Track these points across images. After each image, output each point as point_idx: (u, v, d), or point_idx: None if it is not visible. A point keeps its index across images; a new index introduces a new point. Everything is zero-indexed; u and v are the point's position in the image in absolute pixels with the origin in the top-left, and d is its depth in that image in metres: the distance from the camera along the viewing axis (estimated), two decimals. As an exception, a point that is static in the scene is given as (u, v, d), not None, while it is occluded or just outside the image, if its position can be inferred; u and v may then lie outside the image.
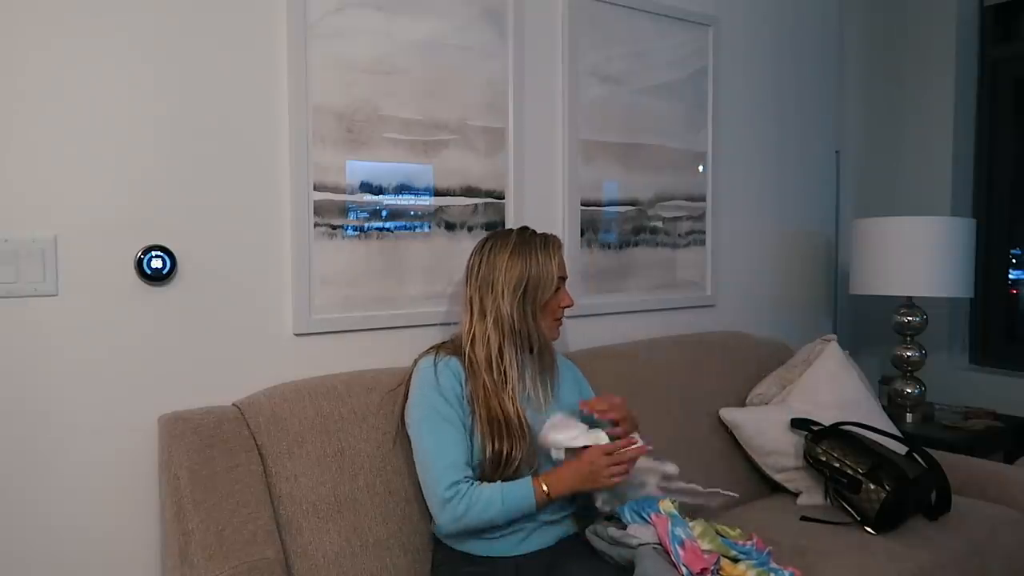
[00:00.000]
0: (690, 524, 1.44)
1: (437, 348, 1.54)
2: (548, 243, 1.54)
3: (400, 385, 1.56)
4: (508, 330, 1.49)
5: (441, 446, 1.41)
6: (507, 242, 1.54)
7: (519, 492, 1.39)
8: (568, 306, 1.58)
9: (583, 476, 1.39)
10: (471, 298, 1.54)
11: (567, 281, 1.59)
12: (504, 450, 1.42)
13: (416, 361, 1.54)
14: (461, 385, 1.47)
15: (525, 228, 1.59)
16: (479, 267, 1.54)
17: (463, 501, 1.37)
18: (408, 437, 1.50)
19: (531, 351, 1.55)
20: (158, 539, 1.48)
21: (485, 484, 1.40)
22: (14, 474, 1.36)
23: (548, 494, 1.39)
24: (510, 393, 1.47)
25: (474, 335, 1.51)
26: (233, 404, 1.51)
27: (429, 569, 1.51)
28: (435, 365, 1.48)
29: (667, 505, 1.47)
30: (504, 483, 1.40)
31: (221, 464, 1.37)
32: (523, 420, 1.46)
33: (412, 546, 1.50)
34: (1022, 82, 2.79)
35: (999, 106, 2.82)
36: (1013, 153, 2.80)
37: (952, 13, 2.78)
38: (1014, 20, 2.80)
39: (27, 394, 1.37)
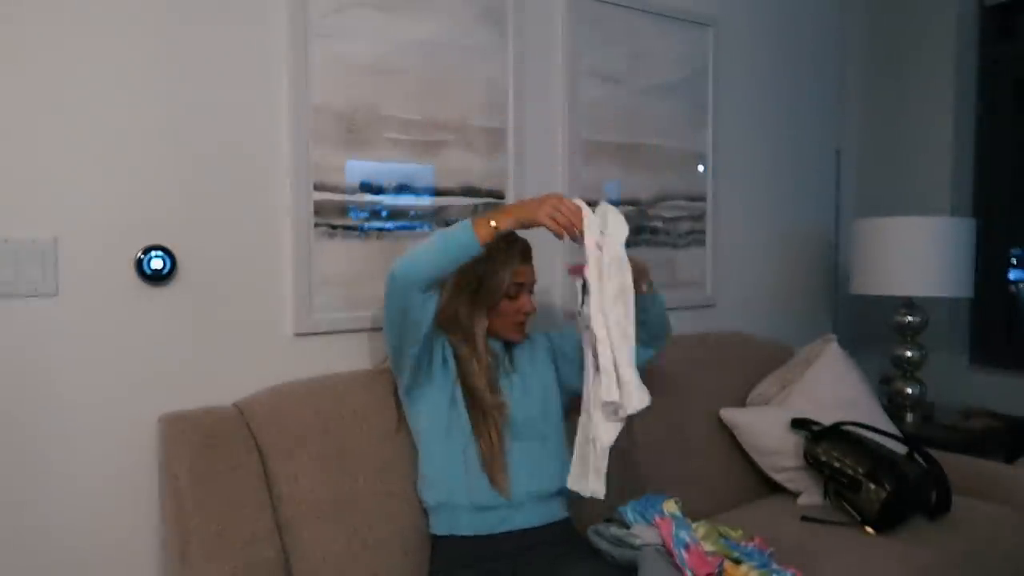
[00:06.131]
0: (693, 526, 1.44)
1: None
2: (512, 248, 1.55)
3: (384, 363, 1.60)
4: (455, 324, 1.53)
5: None
6: None
7: (456, 224, 1.36)
8: (528, 312, 1.58)
9: (527, 205, 1.35)
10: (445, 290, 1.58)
11: (529, 288, 1.58)
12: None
13: None
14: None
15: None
16: None
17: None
18: (409, 438, 1.53)
19: (473, 348, 1.54)
20: (158, 539, 1.48)
21: None
22: (14, 474, 1.36)
23: (493, 223, 1.34)
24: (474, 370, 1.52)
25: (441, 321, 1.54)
26: (233, 404, 1.50)
27: (428, 571, 1.51)
28: None
29: (671, 507, 1.47)
30: None
31: (221, 464, 1.37)
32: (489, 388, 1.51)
33: (412, 546, 1.50)
34: (1022, 82, 2.78)
35: (999, 106, 2.82)
36: (1013, 153, 2.80)
37: (952, 13, 2.78)
38: (1014, 20, 2.80)
39: (27, 394, 1.36)
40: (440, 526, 1.49)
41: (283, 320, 1.63)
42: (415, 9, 1.78)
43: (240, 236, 1.57)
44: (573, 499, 1.58)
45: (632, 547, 1.39)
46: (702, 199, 2.43)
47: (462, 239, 1.33)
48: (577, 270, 1.36)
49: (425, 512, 1.52)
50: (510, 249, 1.55)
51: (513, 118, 1.95)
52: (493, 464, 1.46)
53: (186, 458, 1.35)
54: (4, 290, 1.33)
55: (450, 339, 1.55)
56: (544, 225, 1.33)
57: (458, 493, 1.46)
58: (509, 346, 1.63)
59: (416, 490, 1.53)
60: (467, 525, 1.47)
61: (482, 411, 1.49)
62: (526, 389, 1.58)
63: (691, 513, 1.53)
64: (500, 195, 1.94)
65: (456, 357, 1.53)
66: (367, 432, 1.52)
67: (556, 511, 1.55)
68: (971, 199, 2.87)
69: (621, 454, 1.82)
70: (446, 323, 1.54)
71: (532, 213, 1.33)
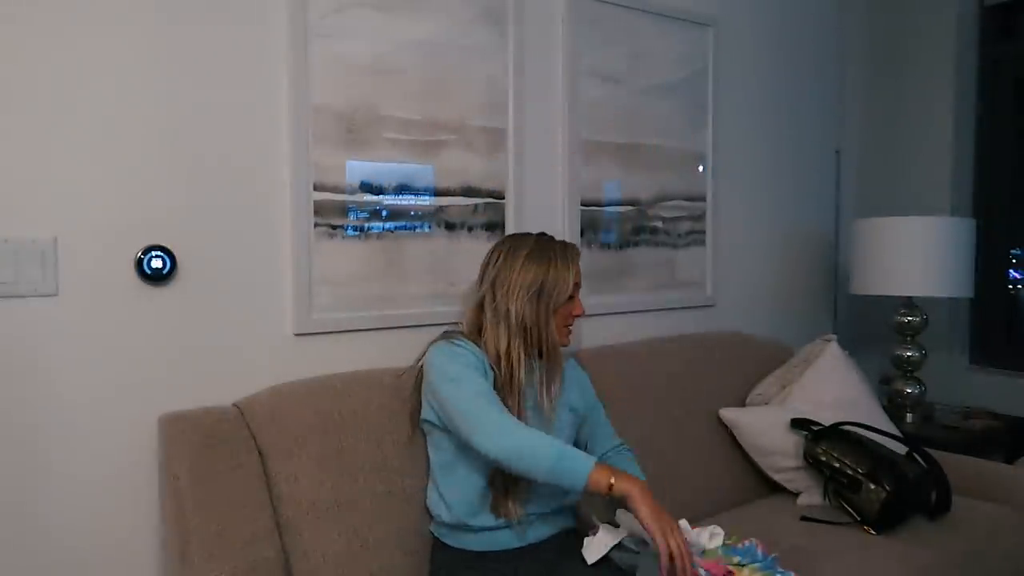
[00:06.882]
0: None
1: (449, 335, 1.53)
2: (567, 250, 1.54)
3: (409, 370, 1.57)
4: (519, 329, 1.48)
5: (489, 392, 1.39)
6: (526, 244, 1.54)
7: (579, 455, 1.30)
8: (579, 315, 1.57)
9: (653, 507, 1.26)
10: (484, 295, 1.54)
11: (580, 290, 1.58)
12: None
13: (431, 344, 1.51)
14: (485, 369, 1.46)
15: (544, 234, 1.59)
16: (496, 265, 1.54)
17: (520, 425, 1.33)
18: (413, 436, 1.54)
19: (540, 354, 1.53)
20: (158, 539, 1.48)
21: None
22: (14, 474, 1.36)
23: (612, 481, 1.27)
24: (516, 394, 1.46)
25: (486, 330, 1.51)
26: (233, 404, 1.50)
27: (428, 571, 1.51)
28: (460, 345, 1.47)
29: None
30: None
31: (221, 464, 1.37)
32: (525, 421, 1.46)
33: (412, 546, 1.50)
34: (1022, 82, 2.78)
35: (999, 106, 2.82)
36: (1013, 153, 2.80)
37: (952, 13, 2.78)
38: (1014, 20, 2.80)
39: (27, 394, 1.36)
40: (448, 537, 1.49)
41: (283, 320, 1.63)
42: (415, 9, 1.78)
43: (240, 236, 1.57)
44: (579, 507, 1.59)
45: (631, 551, 1.39)
46: (702, 199, 2.43)
47: (575, 476, 1.27)
48: None
49: (424, 512, 1.52)
50: (568, 250, 1.54)
51: (513, 118, 1.95)
52: (513, 490, 1.43)
53: (186, 458, 1.35)
54: (4, 290, 1.33)
55: (490, 360, 1.48)
56: (655, 539, 1.24)
57: (476, 519, 1.45)
58: (551, 379, 1.55)
59: (425, 500, 1.53)
60: (477, 543, 1.47)
61: None
62: (557, 408, 1.55)
63: (691, 513, 1.53)
64: (500, 195, 1.94)
65: (496, 382, 1.47)
66: (367, 432, 1.52)
67: (565, 521, 1.55)
68: (971, 199, 2.87)
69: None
70: (500, 327, 1.49)
71: (652, 518, 1.25)
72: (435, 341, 1.52)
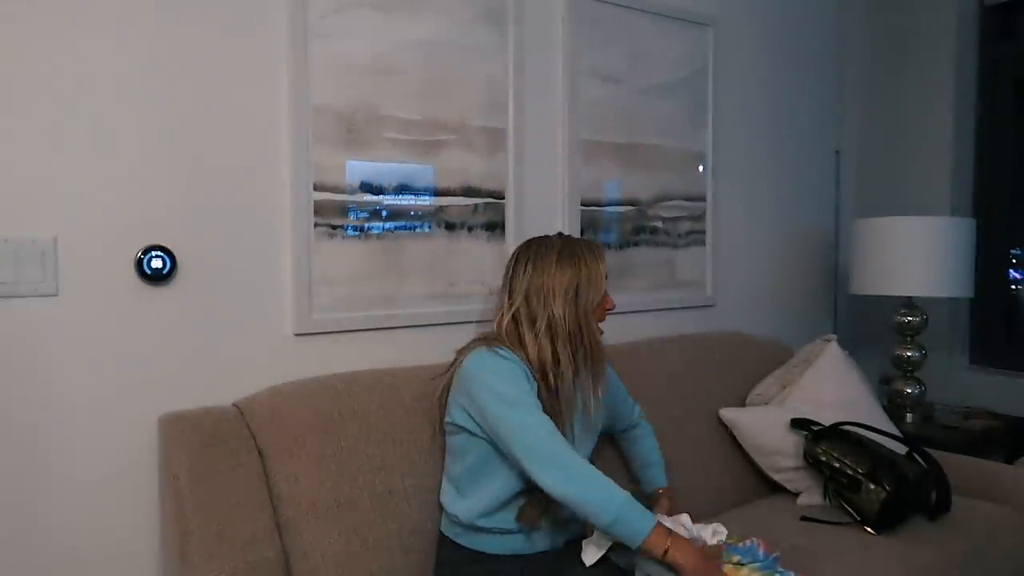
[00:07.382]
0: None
1: (488, 340, 1.48)
2: (592, 247, 1.52)
3: (443, 375, 1.53)
4: (563, 334, 1.45)
5: (549, 422, 1.37)
6: (553, 247, 1.50)
7: (642, 513, 1.29)
8: (611, 309, 1.54)
9: (701, 567, 1.28)
10: (518, 307, 1.49)
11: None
12: None
13: (470, 351, 1.46)
14: (530, 381, 1.43)
15: (562, 233, 1.57)
16: (526, 275, 1.49)
17: (586, 467, 1.32)
18: (435, 437, 1.55)
19: (584, 355, 1.48)
20: (158, 539, 1.48)
21: None
22: (14, 474, 1.36)
23: (667, 547, 1.27)
24: (560, 402, 1.44)
25: (527, 342, 1.46)
26: (233, 404, 1.51)
27: (431, 569, 1.51)
28: (505, 357, 1.42)
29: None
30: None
31: (221, 464, 1.37)
32: (571, 435, 1.45)
33: (412, 546, 1.50)
34: (1022, 82, 2.78)
35: (999, 106, 2.82)
36: (1013, 153, 2.80)
37: (952, 13, 2.78)
38: (1014, 20, 2.80)
39: (27, 394, 1.36)
40: (461, 538, 1.48)
41: (283, 320, 1.63)
42: (415, 9, 1.78)
43: (240, 236, 1.57)
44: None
45: (629, 549, 1.39)
46: (702, 199, 2.43)
47: (633, 534, 1.28)
48: None
49: (424, 512, 1.52)
50: (593, 246, 1.52)
51: (513, 118, 1.95)
52: (550, 502, 1.41)
53: (186, 458, 1.35)
54: (4, 290, 1.33)
55: (532, 370, 1.44)
56: None
57: (495, 522, 1.44)
58: (596, 378, 1.53)
59: (439, 497, 1.52)
60: (491, 545, 1.46)
61: None
62: (592, 420, 1.55)
63: (691, 513, 1.53)
64: (500, 195, 1.94)
65: (539, 392, 1.44)
66: (367, 432, 1.52)
67: (575, 528, 1.53)
68: (971, 199, 2.87)
69: (620, 455, 1.82)
70: (542, 336, 1.45)
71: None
72: (473, 347, 1.47)
